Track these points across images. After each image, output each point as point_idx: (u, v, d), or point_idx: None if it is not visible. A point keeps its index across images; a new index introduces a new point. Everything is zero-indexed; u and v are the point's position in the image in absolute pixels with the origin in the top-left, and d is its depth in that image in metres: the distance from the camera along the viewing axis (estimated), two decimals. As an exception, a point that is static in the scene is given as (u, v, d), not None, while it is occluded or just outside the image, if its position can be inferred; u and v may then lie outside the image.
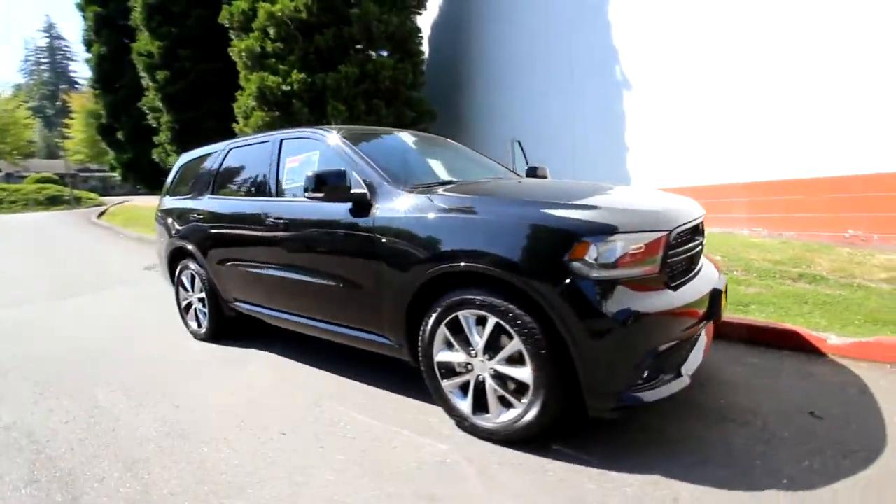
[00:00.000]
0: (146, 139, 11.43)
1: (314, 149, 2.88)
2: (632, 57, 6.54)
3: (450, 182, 2.62)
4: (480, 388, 2.11)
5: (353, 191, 2.46)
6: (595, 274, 1.77)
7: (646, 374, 1.84)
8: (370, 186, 2.46)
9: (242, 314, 3.55)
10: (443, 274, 2.08)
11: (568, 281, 1.77)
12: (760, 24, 5.03)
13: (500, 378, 2.04)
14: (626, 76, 6.67)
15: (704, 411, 2.22)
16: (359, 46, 8.77)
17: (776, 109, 4.96)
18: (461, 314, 2.08)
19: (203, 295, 3.73)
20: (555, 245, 1.80)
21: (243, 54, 8.22)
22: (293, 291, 2.91)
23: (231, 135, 9.60)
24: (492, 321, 1.98)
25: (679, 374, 1.95)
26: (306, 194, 2.47)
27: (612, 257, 1.79)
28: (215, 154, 3.77)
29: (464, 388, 2.19)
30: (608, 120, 6.93)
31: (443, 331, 2.16)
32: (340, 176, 2.42)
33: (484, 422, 2.09)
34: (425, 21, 10.18)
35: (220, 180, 3.64)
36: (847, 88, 4.45)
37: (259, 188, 3.22)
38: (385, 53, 8.84)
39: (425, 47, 9.69)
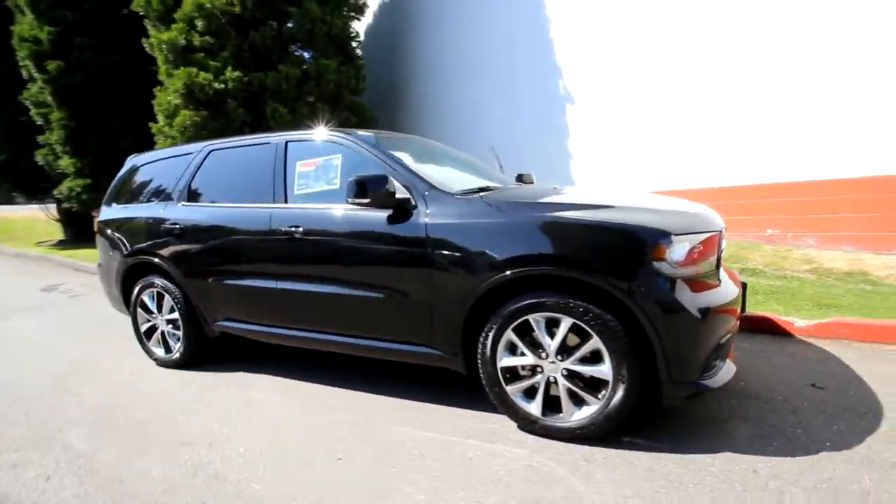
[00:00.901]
0: (25, 138, 9.65)
1: (334, 152, 2.71)
2: (574, 73, 7.04)
3: (488, 188, 2.62)
4: (546, 389, 2.15)
5: (396, 196, 2.36)
6: (673, 271, 1.91)
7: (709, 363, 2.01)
8: (414, 191, 2.38)
9: (228, 335, 3.19)
10: (512, 279, 2.09)
11: (652, 279, 1.88)
12: (692, 43, 5.74)
13: (572, 377, 2.09)
14: (568, 91, 7.16)
15: (732, 392, 2.48)
16: (293, 47, 8.36)
17: (707, 124, 5.68)
18: (531, 317, 2.09)
19: (175, 316, 3.29)
20: (638, 246, 1.91)
21: (164, 47, 7.38)
22: (313, 306, 2.69)
23: (145, 135, 8.54)
24: (567, 322, 2.03)
25: (725, 362, 2.16)
26: (350, 200, 2.32)
27: (683, 255, 1.94)
28: (188, 156, 3.35)
29: (528, 392, 2.20)
30: (551, 130, 7.37)
31: (508, 335, 2.16)
32: (383, 181, 2.31)
33: (557, 422, 2.12)
34: (359, 27, 10.00)
35: (198, 185, 3.24)
36: (768, 106, 5.25)
37: (258, 194, 2.92)
38: (311, 55, 8.51)
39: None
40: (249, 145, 3.08)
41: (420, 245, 2.29)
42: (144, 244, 3.34)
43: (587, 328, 1.99)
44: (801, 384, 2.54)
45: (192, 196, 3.24)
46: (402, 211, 2.37)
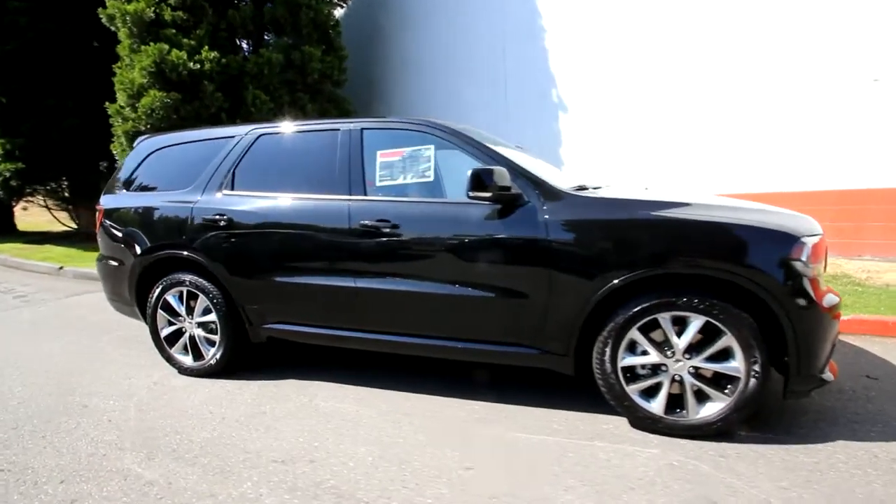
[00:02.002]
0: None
1: (425, 142, 2.54)
2: (568, 82, 7.22)
3: (584, 186, 2.59)
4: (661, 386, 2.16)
5: (512, 191, 2.26)
6: (805, 270, 2.00)
7: (824, 357, 2.13)
8: (527, 186, 2.30)
9: (276, 339, 2.90)
10: (644, 278, 2.08)
11: (792, 277, 1.96)
12: (683, 56, 6.11)
13: (698, 375, 2.12)
14: (562, 99, 7.34)
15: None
16: (270, 34, 7.85)
17: (696, 137, 6.09)
18: (660, 316, 2.10)
19: (210, 318, 2.93)
20: (780, 245, 1.98)
21: (128, 19, 6.58)
22: (401, 307, 2.51)
23: (96, 116, 7.59)
24: (699, 320, 2.05)
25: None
26: (470, 195, 2.19)
27: (810, 255, 2.04)
28: (227, 140, 3.00)
29: (647, 391, 2.20)
30: (543, 137, 7.49)
31: (633, 335, 2.15)
32: (497, 174, 2.20)
33: (682, 419, 2.14)
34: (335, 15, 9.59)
35: (244, 173, 2.91)
36: (751, 121, 5.72)
37: (325, 184, 2.68)
38: (293, 42, 8.03)
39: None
40: (311, 131, 2.82)
41: (539, 243, 2.22)
42: (174, 237, 2.94)
43: (721, 326, 2.03)
44: (856, 375, 2.77)
45: (237, 184, 2.90)
46: (513, 207, 2.28)
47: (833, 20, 5.19)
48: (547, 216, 2.23)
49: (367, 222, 2.50)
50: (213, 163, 2.98)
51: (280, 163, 2.87)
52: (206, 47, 6.64)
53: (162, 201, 3.05)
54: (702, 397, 2.14)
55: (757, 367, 2.02)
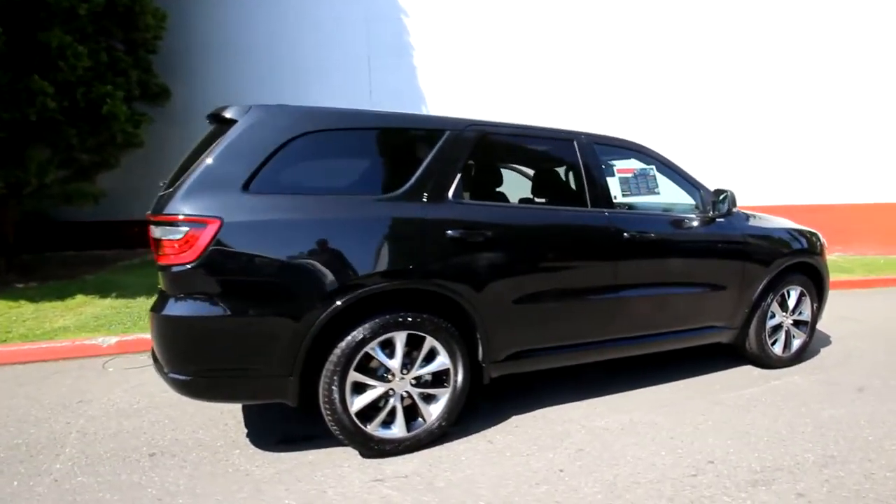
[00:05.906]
0: None
1: (646, 162, 2.87)
2: (437, 101, 7.79)
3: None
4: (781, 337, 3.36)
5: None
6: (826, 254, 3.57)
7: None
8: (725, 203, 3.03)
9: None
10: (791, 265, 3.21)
11: (825, 259, 3.48)
12: (567, 69, 7.59)
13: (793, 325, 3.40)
14: (432, 117, 7.81)
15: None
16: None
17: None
18: (786, 289, 3.27)
19: (434, 367, 2.28)
20: (822, 241, 3.47)
21: None
22: (648, 310, 2.78)
23: None
24: (797, 290, 3.33)
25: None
26: (735, 210, 2.81)
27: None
28: (440, 133, 2.32)
29: (774, 342, 3.32)
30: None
31: (773, 306, 3.23)
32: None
33: (787, 355, 3.34)
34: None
35: (471, 176, 2.40)
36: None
37: (574, 195, 2.62)
38: None
39: None
40: (544, 137, 2.60)
41: (740, 245, 3.02)
42: (402, 262, 2.10)
43: (806, 293, 3.36)
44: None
45: (466, 190, 2.36)
46: (718, 220, 2.98)
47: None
48: (739, 226, 3.05)
49: (629, 234, 2.63)
50: (427, 161, 2.26)
51: (508, 167, 2.53)
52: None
53: (368, 211, 2.09)
54: (789, 339, 3.42)
55: (816, 314, 3.46)
